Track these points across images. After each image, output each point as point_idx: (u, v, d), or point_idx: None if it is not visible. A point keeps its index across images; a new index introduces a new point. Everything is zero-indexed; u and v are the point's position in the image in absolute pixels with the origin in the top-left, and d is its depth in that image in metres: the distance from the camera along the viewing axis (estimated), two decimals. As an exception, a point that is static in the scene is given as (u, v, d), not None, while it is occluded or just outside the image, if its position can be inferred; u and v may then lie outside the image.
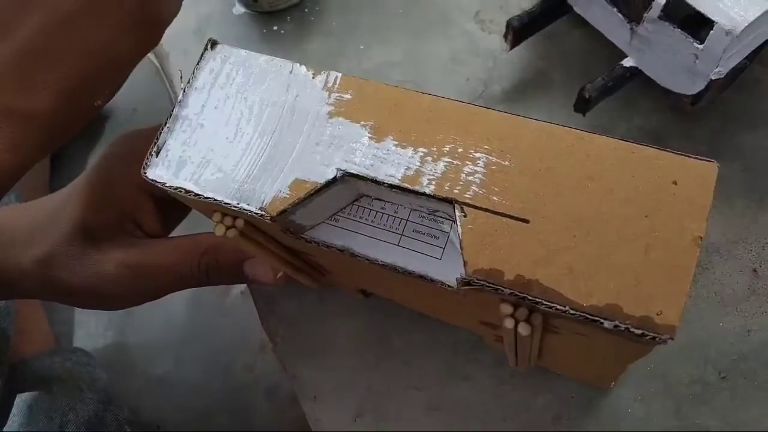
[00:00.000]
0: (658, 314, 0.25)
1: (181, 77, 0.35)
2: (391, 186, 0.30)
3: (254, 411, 1.00)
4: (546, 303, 0.26)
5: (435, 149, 0.30)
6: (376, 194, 0.33)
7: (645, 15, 0.43)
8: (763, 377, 0.42)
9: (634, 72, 0.46)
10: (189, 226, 0.49)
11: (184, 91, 0.34)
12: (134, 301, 0.44)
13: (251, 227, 0.33)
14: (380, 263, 0.31)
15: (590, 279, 0.26)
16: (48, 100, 0.32)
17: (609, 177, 0.28)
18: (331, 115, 0.32)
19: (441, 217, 0.32)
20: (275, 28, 0.60)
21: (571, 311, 0.26)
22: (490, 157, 0.29)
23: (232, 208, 0.31)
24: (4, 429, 0.79)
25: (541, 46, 0.55)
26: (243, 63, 0.34)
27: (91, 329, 1.12)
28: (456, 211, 0.28)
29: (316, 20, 0.60)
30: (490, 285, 0.27)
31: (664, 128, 0.50)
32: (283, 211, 0.31)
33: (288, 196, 0.31)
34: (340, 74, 0.33)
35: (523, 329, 0.27)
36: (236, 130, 0.33)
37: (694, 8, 0.40)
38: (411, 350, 0.46)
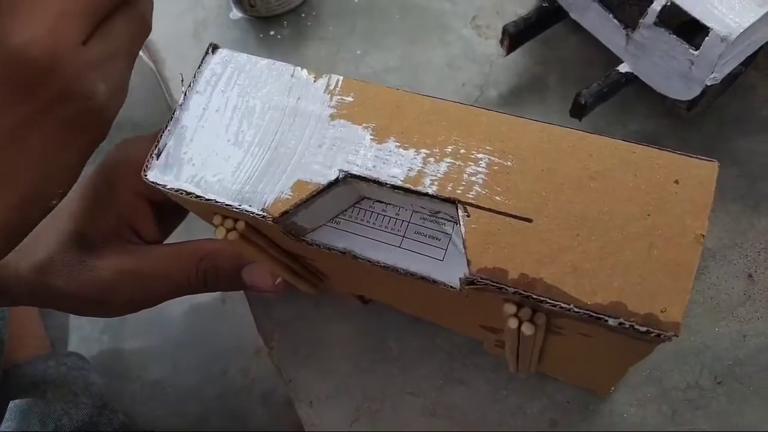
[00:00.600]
0: (662, 311, 0.25)
1: (182, 80, 0.35)
2: (394, 187, 0.30)
3: (250, 416, 0.99)
4: (550, 301, 0.26)
5: (437, 150, 0.30)
6: (378, 196, 0.33)
7: (640, 21, 0.43)
8: (759, 382, 0.42)
9: (630, 77, 0.46)
10: (184, 231, 0.49)
11: (185, 95, 0.34)
12: (131, 309, 0.44)
13: (252, 230, 0.33)
14: (382, 265, 0.32)
15: (594, 277, 0.26)
16: (1, 216, 0.32)
17: (611, 176, 0.28)
18: (332, 117, 0.32)
19: (443, 218, 0.32)
20: (272, 32, 0.60)
21: (576, 309, 0.26)
22: (492, 158, 0.29)
23: (234, 209, 0.31)
24: None
25: (537, 52, 0.55)
26: (244, 66, 0.34)
27: (86, 333, 1.12)
28: (459, 210, 0.29)
29: (313, 25, 0.60)
30: (494, 284, 0.27)
31: (660, 134, 0.50)
32: (285, 213, 0.31)
33: (290, 198, 0.31)
34: (341, 77, 0.33)
35: (527, 329, 0.28)
36: (237, 133, 0.33)
37: (689, 14, 0.41)
38: (407, 355, 0.46)
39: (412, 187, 0.29)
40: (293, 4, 0.60)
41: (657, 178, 0.27)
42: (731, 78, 0.45)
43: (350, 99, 0.32)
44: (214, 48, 0.35)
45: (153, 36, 0.60)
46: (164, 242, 0.46)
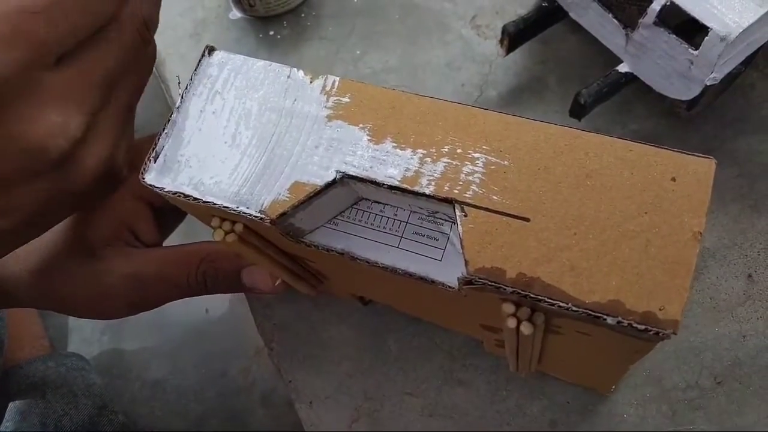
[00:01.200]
0: (660, 309, 0.25)
1: (179, 83, 0.35)
2: (391, 187, 0.30)
3: (250, 416, 0.99)
4: (548, 300, 0.26)
5: (434, 150, 0.30)
6: (375, 196, 0.33)
7: (640, 21, 0.43)
8: (759, 382, 0.42)
9: (630, 77, 0.46)
10: (183, 233, 0.49)
11: (182, 97, 0.34)
12: (131, 311, 0.44)
13: (250, 232, 0.33)
14: (380, 266, 0.31)
15: (592, 276, 0.26)
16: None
17: (608, 175, 0.28)
18: (329, 118, 0.32)
19: (441, 218, 0.32)
20: (272, 33, 0.60)
21: (574, 308, 0.26)
22: (489, 157, 0.29)
23: (231, 212, 0.31)
24: None
25: (537, 52, 0.55)
26: (240, 68, 0.34)
27: (86, 334, 1.12)
28: (456, 210, 0.28)
29: (313, 25, 0.60)
30: (492, 283, 0.27)
31: (660, 133, 0.50)
32: (283, 214, 0.31)
33: (287, 199, 0.31)
34: (337, 78, 0.33)
35: (526, 328, 0.28)
36: (234, 135, 0.33)
37: (689, 14, 0.40)
38: (407, 355, 0.46)
39: (409, 188, 0.29)
40: (293, 4, 0.61)
41: (654, 175, 0.27)
42: (731, 78, 0.45)
43: (347, 100, 0.32)
44: (211, 50, 0.35)
45: (152, 36, 0.61)
46: (163, 244, 0.46)
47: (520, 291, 0.27)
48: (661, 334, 0.25)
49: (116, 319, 0.45)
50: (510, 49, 0.51)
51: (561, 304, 0.26)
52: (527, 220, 0.28)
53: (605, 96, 0.46)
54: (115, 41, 0.32)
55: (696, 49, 0.41)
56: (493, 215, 0.28)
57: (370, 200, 0.34)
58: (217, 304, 1.06)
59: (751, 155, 0.48)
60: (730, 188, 0.47)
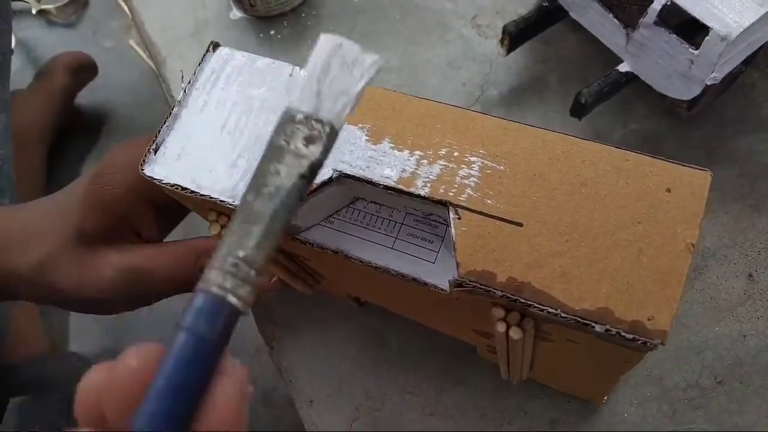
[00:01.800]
0: (649, 319, 0.25)
1: (182, 77, 0.36)
2: (386, 187, 0.30)
3: (250, 416, 0.99)
4: (537, 306, 0.26)
5: (431, 152, 0.30)
6: (371, 196, 0.33)
7: (640, 20, 0.43)
8: (759, 382, 0.42)
9: (630, 77, 0.46)
10: (183, 230, 0.49)
11: (185, 91, 0.34)
12: (130, 306, 0.44)
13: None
14: (374, 266, 0.32)
15: (582, 283, 0.26)
16: None
17: (603, 183, 0.28)
18: None
19: (435, 221, 0.32)
20: (272, 32, 0.60)
21: (563, 314, 0.26)
22: (486, 162, 0.29)
23: (228, 206, 0.32)
24: None
25: (538, 51, 0.55)
26: (243, 65, 0.35)
27: (87, 333, 1.12)
28: (450, 213, 0.29)
29: (313, 25, 0.60)
30: (482, 287, 0.27)
31: (660, 133, 0.50)
32: None
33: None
34: None
35: (515, 333, 0.28)
36: (235, 130, 0.33)
37: (689, 14, 0.40)
38: (407, 355, 0.46)
39: (405, 188, 0.30)
40: (293, 4, 0.60)
41: (649, 185, 0.27)
42: (731, 77, 0.45)
43: None
44: (215, 46, 0.35)
45: (153, 36, 0.61)
46: (163, 240, 0.46)
47: (510, 295, 0.27)
48: (649, 344, 0.25)
49: (115, 314, 0.45)
50: (511, 49, 0.51)
51: (550, 309, 0.26)
52: (520, 225, 0.28)
53: (606, 95, 0.46)
54: None
55: (696, 49, 0.41)
56: (486, 219, 0.28)
57: (366, 200, 0.34)
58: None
59: (751, 155, 0.48)
60: (731, 188, 0.47)
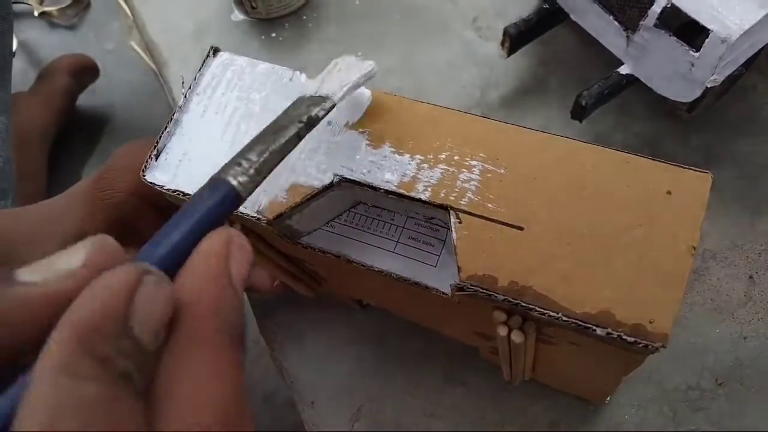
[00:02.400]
0: (650, 322, 0.25)
1: (183, 83, 0.36)
2: (388, 192, 0.30)
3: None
4: (539, 309, 0.26)
5: (431, 156, 0.30)
6: (372, 201, 0.33)
7: (641, 23, 0.43)
8: (760, 384, 0.42)
9: (630, 79, 0.46)
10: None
11: (186, 97, 0.35)
12: None
13: (248, 232, 0.33)
14: (375, 269, 0.32)
15: (583, 286, 0.26)
16: None
17: (603, 186, 0.28)
18: (329, 122, 0.32)
19: (437, 224, 0.32)
20: (273, 34, 0.60)
21: (564, 318, 0.26)
22: (486, 165, 0.29)
23: None
24: None
25: (538, 54, 0.55)
26: (244, 70, 0.35)
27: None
28: (451, 217, 0.29)
29: (314, 27, 0.60)
30: (484, 291, 0.27)
31: (660, 135, 0.50)
32: (280, 215, 0.31)
33: (285, 201, 0.31)
34: None
35: (517, 337, 0.28)
36: (236, 135, 0.33)
37: (689, 16, 0.40)
38: (408, 356, 0.46)
39: (406, 193, 0.30)
40: (294, 6, 0.61)
41: (649, 188, 0.27)
42: (732, 80, 0.45)
43: None
44: (215, 51, 0.36)
45: (155, 37, 0.61)
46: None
47: (511, 299, 0.27)
48: (650, 347, 0.25)
49: None
50: (511, 51, 0.51)
51: (552, 313, 0.26)
52: (521, 228, 0.28)
53: (606, 98, 0.46)
54: None
55: (697, 51, 0.41)
56: (487, 223, 0.28)
57: (367, 204, 0.34)
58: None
59: (752, 156, 0.48)
60: (731, 190, 0.47)
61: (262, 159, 0.26)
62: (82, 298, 0.20)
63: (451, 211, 0.29)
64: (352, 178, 0.31)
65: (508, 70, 0.55)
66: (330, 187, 0.31)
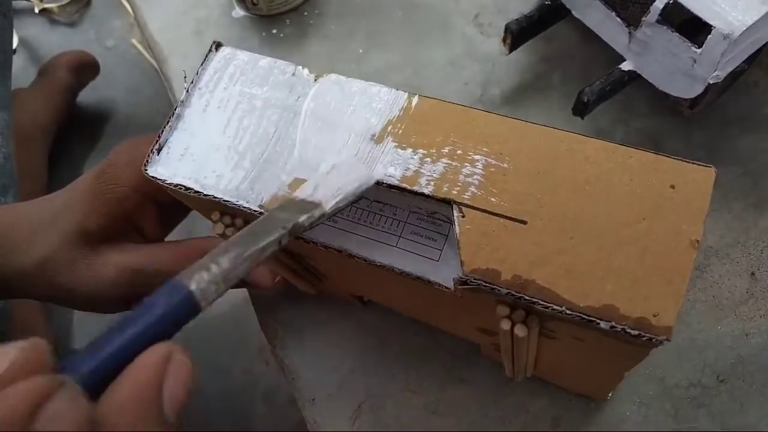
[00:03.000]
0: (654, 316, 0.25)
1: (185, 77, 0.36)
2: (390, 186, 0.30)
3: (252, 414, 0.99)
4: (542, 303, 0.26)
5: (434, 151, 0.30)
6: (375, 195, 0.33)
7: (643, 19, 0.43)
8: (762, 381, 0.42)
9: (633, 75, 0.46)
10: (185, 229, 0.49)
11: (188, 91, 0.34)
12: (130, 305, 0.44)
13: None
14: (377, 264, 0.32)
15: (587, 280, 0.26)
16: None
17: (607, 180, 0.28)
18: None
19: (439, 219, 0.32)
20: (274, 31, 0.60)
21: (568, 312, 0.26)
22: (489, 159, 0.29)
23: (231, 206, 0.32)
24: None
25: (540, 50, 0.55)
26: (246, 65, 0.35)
27: (91, 331, 1.12)
28: (454, 211, 0.29)
29: (316, 24, 0.60)
30: (487, 285, 0.27)
31: (663, 132, 0.50)
32: None
33: (287, 195, 0.31)
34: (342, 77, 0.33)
35: (520, 331, 0.28)
36: (238, 130, 0.33)
37: (692, 12, 0.40)
38: (409, 353, 0.46)
39: (408, 187, 0.30)
40: (296, 3, 0.61)
41: (653, 182, 0.27)
42: (734, 76, 0.45)
43: None
44: (218, 46, 0.35)
45: (155, 34, 0.61)
46: (165, 239, 0.46)
47: (514, 293, 0.27)
48: (654, 341, 0.25)
49: (117, 312, 0.45)
50: (513, 48, 0.51)
51: (555, 307, 0.26)
52: (525, 222, 0.28)
53: (608, 94, 0.46)
54: None
55: (699, 47, 0.41)
56: (490, 217, 0.28)
57: (369, 199, 0.34)
58: (219, 301, 1.05)
59: (754, 153, 0.48)
60: (733, 186, 0.47)
61: (232, 265, 0.24)
62: None
63: (454, 205, 0.29)
64: None
65: (509, 66, 0.55)
66: None
